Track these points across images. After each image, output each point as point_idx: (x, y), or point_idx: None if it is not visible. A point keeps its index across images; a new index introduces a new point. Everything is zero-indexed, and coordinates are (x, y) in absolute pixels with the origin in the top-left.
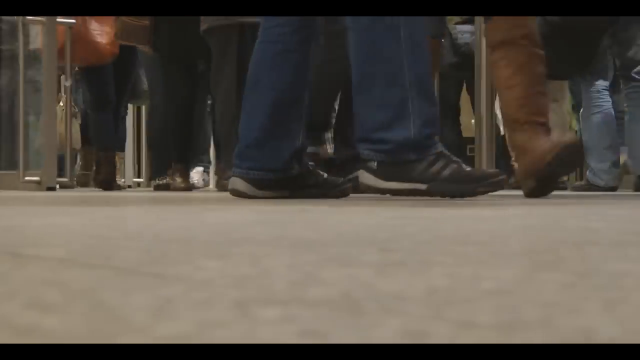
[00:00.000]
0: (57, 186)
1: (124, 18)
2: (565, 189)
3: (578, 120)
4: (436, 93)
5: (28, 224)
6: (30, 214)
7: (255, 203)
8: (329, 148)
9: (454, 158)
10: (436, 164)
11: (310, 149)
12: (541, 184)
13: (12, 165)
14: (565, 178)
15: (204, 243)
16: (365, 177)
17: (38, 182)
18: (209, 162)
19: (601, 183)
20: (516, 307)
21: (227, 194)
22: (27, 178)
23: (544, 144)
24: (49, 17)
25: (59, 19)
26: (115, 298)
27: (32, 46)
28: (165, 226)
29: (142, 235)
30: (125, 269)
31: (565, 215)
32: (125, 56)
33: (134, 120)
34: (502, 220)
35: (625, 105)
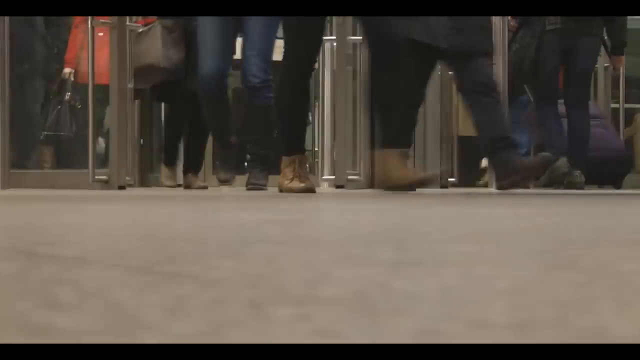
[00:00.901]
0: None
1: None
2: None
3: None
4: None
5: (43, 222)
6: (46, 212)
7: (268, 202)
8: None
9: None
10: None
11: None
12: None
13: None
14: None
15: (217, 242)
16: None
17: (105, 181)
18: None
19: None
20: (530, 307)
21: (241, 192)
22: (97, 177)
23: None
24: (119, 19)
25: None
26: (129, 297)
27: None
28: (178, 225)
29: (156, 234)
30: (140, 268)
31: (578, 215)
32: None
33: None
34: (516, 219)
35: None
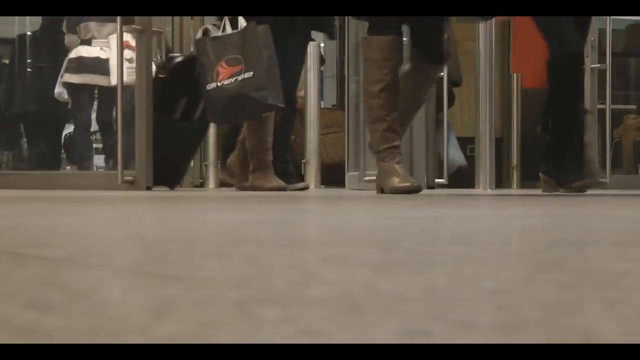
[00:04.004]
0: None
1: None
2: None
3: None
4: None
5: (29, 223)
6: (33, 213)
7: (255, 203)
8: None
9: None
10: None
11: None
12: None
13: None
14: None
15: (204, 243)
16: None
17: (131, 182)
18: None
19: None
20: (516, 307)
21: (226, 193)
22: (125, 178)
23: None
24: (147, 24)
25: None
26: (115, 298)
27: None
28: (165, 226)
29: (142, 235)
30: (125, 269)
31: (564, 215)
32: None
33: None
34: (502, 220)
35: None
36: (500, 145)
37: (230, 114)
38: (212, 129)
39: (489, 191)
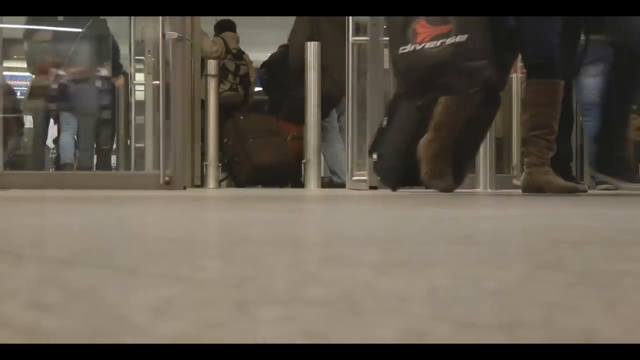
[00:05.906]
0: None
1: None
2: None
3: None
4: None
5: (29, 223)
6: (33, 213)
7: (255, 202)
8: None
9: None
10: None
11: None
12: None
13: None
14: None
15: (204, 243)
16: None
17: (167, 182)
18: None
19: None
20: (516, 307)
21: (225, 192)
22: (166, 178)
23: None
24: (183, 31)
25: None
26: (115, 298)
27: None
28: (165, 226)
29: (142, 235)
30: (126, 269)
31: (565, 215)
32: None
33: None
34: (503, 220)
35: None
36: (501, 145)
37: (426, 87)
38: (211, 128)
39: (489, 191)
